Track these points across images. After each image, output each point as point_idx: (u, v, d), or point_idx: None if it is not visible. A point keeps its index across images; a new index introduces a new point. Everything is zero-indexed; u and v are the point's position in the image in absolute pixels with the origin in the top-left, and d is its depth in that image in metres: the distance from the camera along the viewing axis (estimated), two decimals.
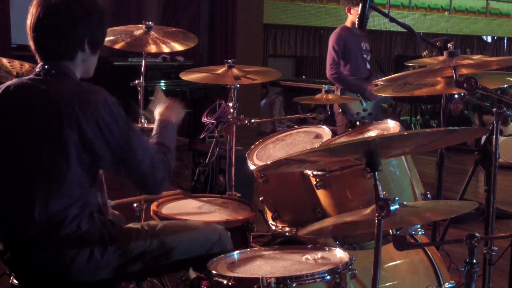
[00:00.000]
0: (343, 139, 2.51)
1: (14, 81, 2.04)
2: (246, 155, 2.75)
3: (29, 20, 1.98)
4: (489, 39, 14.25)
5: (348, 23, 4.91)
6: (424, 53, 5.69)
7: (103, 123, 1.89)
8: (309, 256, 2.07)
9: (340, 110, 4.86)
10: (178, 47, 3.24)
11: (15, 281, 2.04)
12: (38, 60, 2.03)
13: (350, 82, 4.84)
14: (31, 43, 2.01)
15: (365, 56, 4.99)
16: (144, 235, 2.09)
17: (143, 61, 3.21)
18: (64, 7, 1.96)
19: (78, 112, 1.88)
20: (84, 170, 1.93)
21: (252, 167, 2.62)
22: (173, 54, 7.29)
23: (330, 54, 4.85)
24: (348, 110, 4.83)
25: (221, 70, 3.23)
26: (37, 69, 2.01)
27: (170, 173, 2.08)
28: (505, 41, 14.61)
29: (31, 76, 2.01)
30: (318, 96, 3.59)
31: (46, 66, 1.99)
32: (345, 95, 4.81)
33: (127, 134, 1.95)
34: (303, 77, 10.05)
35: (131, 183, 2.04)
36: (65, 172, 1.90)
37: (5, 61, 3.09)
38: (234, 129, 3.29)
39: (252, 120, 3.29)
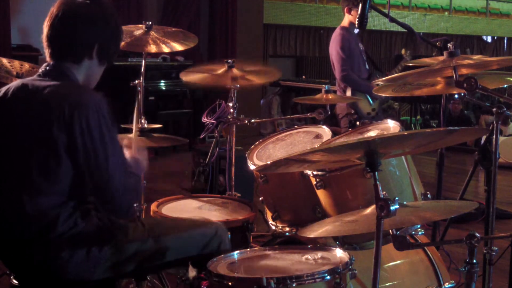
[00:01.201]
0: (343, 139, 2.51)
1: (16, 82, 2.06)
2: (246, 155, 2.75)
3: (48, 18, 2.00)
4: (489, 39, 14.25)
5: (346, 24, 4.88)
6: (403, 50, 5.70)
7: (86, 127, 1.88)
8: (309, 256, 2.07)
9: (349, 112, 4.84)
10: (178, 47, 3.24)
11: (15, 281, 2.04)
12: (47, 58, 2.04)
13: (359, 82, 4.83)
14: (44, 41, 2.02)
15: (363, 56, 4.99)
16: (141, 231, 2.10)
17: (143, 61, 3.21)
18: (84, 9, 1.98)
19: (67, 112, 1.88)
20: (76, 169, 1.92)
21: (252, 167, 2.62)
22: (173, 54, 7.29)
23: (338, 55, 4.79)
24: (360, 111, 4.83)
25: (221, 70, 3.23)
26: (41, 69, 2.03)
27: (133, 202, 2.07)
28: (505, 41, 14.61)
29: (34, 76, 2.03)
30: (318, 96, 3.59)
31: (48, 67, 2.01)
32: (355, 95, 4.80)
33: (107, 145, 1.91)
34: (303, 77, 10.05)
35: (99, 202, 2.00)
36: (55, 171, 1.91)
37: (5, 61, 3.09)
38: (234, 129, 3.29)
39: (252, 120, 3.28)
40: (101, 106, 1.92)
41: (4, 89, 2.06)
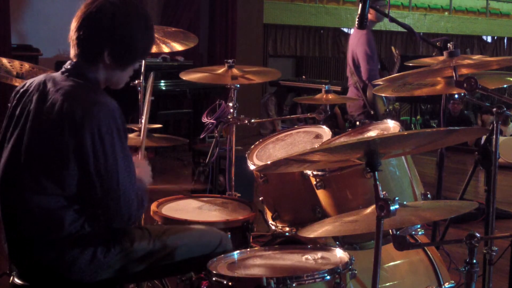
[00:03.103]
0: (343, 139, 2.51)
1: (40, 76, 2.06)
2: (246, 155, 2.75)
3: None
4: (489, 39, 14.25)
5: None
6: (392, 48, 5.67)
7: (97, 133, 1.86)
8: (309, 256, 2.08)
9: (366, 111, 4.82)
10: (178, 47, 3.24)
11: (17, 280, 2.05)
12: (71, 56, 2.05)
13: None
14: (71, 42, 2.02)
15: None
16: (147, 237, 2.09)
17: (143, 61, 3.21)
18: (99, 13, 1.96)
19: (78, 117, 1.87)
20: (84, 174, 1.90)
21: (252, 167, 2.62)
22: (173, 54, 7.29)
23: (366, 54, 4.71)
24: (378, 111, 4.83)
25: (221, 70, 3.23)
26: (64, 66, 2.03)
27: (140, 213, 2.04)
28: (505, 41, 14.61)
29: (58, 72, 2.04)
30: (318, 96, 3.59)
31: (69, 66, 2.01)
32: (375, 96, 4.79)
33: (117, 152, 1.89)
34: (303, 77, 10.05)
35: (101, 210, 1.95)
36: (61, 173, 1.89)
37: (5, 61, 3.08)
38: (234, 129, 3.29)
39: (252, 120, 3.29)
40: (114, 112, 1.90)
41: (29, 81, 2.07)
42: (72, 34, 2.00)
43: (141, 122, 3.07)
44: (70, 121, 1.87)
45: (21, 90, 2.06)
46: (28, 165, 1.93)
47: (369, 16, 4.76)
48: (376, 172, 1.68)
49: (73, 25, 1.99)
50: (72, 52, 2.02)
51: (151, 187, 2.42)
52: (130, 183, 1.95)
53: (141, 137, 2.52)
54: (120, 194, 1.91)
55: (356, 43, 4.86)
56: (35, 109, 1.97)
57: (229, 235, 2.47)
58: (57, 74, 2.03)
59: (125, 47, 2.00)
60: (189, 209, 2.75)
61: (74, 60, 2.02)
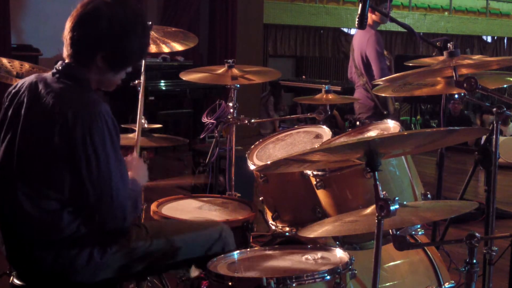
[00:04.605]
0: (343, 139, 2.51)
1: (31, 77, 2.04)
2: (246, 155, 2.75)
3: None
4: (489, 39, 14.25)
5: (370, 22, 4.84)
6: (385, 51, 5.67)
7: (88, 136, 1.85)
8: (309, 256, 2.08)
9: (377, 111, 4.82)
10: (178, 47, 3.24)
11: (16, 281, 2.04)
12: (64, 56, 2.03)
13: None
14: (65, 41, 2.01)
15: None
16: (145, 235, 2.09)
17: (143, 61, 3.21)
18: (95, 15, 1.93)
19: (70, 120, 1.85)
20: (76, 177, 1.89)
21: (252, 167, 2.62)
22: (173, 54, 7.29)
23: (377, 52, 4.64)
24: (389, 109, 4.85)
25: (221, 70, 3.23)
26: (56, 66, 2.01)
27: (135, 215, 2.03)
28: (505, 41, 14.61)
29: (49, 73, 2.02)
30: (318, 96, 3.59)
31: (60, 68, 1.99)
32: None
33: (109, 156, 1.88)
34: (303, 77, 10.05)
35: (94, 213, 1.93)
36: (54, 175, 1.89)
37: (5, 61, 3.08)
38: (234, 129, 3.29)
39: (252, 120, 3.29)
40: (105, 114, 1.88)
41: (20, 82, 2.05)
42: (66, 34, 1.97)
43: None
44: (62, 124, 1.86)
45: (13, 91, 2.04)
46: (21, 168, 1.93)
47: (374, 17, 4.79)
48: (376, 172, 1.68)
49: (68, 24, 1.97)
50: (65, 52, 2.00)
51: (154, 184, 2.40)
52: (123, 185, 1.94)
53: (136, 135, 2.53)
54: (113, 197, 1.90)
55: (365, 43, 4.84)
56: (26, 111, 1.95)
57: (231, 232, 2.47)
58: (48, 75, 2.01)
59: (119, 51, 1.98)
60: (189, 209, 2.75)
61: (66, 61, 2.00)
